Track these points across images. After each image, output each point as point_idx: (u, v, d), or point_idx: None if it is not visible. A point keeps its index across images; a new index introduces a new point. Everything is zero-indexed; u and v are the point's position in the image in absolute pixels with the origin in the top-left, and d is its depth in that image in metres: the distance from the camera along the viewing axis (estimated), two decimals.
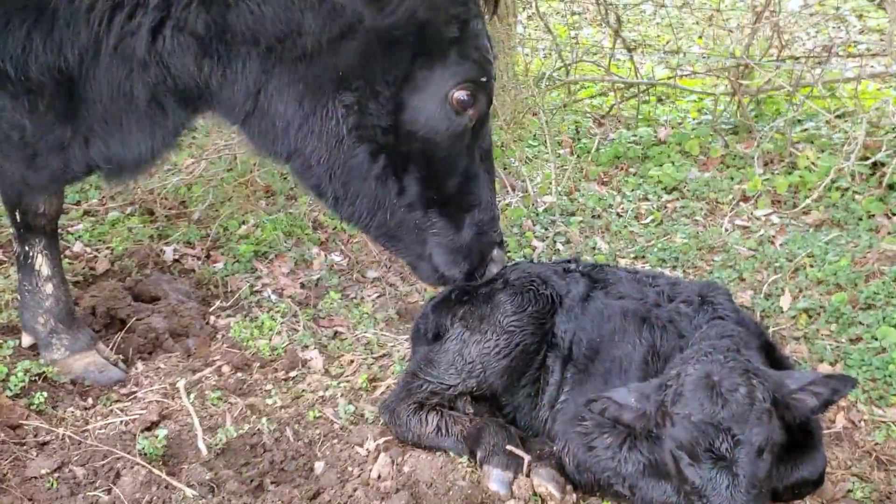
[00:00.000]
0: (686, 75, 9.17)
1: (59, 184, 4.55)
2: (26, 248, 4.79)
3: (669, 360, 4.03)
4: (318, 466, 4.33)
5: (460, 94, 3.79)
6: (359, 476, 4.26)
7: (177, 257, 6.26)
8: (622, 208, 7.20)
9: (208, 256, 6.32)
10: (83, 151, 3.95)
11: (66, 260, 5.85)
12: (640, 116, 8.70)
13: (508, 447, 4.24)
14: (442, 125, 3.83)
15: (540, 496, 4.14)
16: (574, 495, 4.17)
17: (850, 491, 4.22)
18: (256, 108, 3.81)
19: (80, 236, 6.35)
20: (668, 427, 3.65)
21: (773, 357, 4.20)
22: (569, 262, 4.87)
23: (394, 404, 4.55)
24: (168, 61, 3.63)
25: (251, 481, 4.16)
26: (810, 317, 5.58)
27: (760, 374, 3.65)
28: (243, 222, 6.60)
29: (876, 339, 5.21)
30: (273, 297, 5.88)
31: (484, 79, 3.87)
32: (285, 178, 7.02)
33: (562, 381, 4.43)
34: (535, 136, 8.06)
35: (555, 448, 4.27)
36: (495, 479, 4.17)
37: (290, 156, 3.97)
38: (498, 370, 4.46)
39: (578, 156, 7.98)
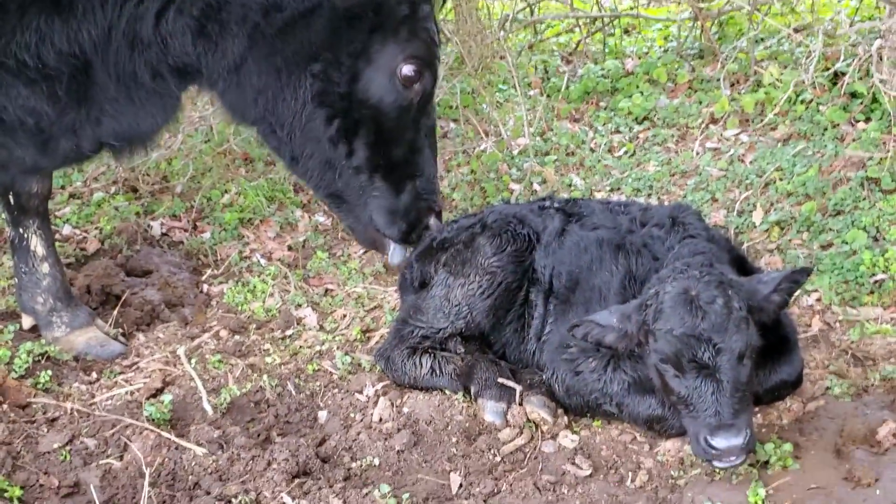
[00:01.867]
0: (650, 4, 9.23)
1: (69, 164, 4.78)
2: (20, 231, 4.92)
3: (646, 282, 4.20)
4: (322, 415, 4.53)
5: (407, 70, 4.13)
6: (361, 421, 4.46)
7: (164, 231, 6.38)
8: (595, 143, 7.34)
9: (195, 227, 6.45)
10: (94, 131, 4.24)
11: (57, 243, 5.90)
12: (606, 50, 8.79)
13: (500, 380, 4.44)
14: (390, 96, 4.18)
15: (533, 422, 4.35)
16: (565, 418, 4.39)
17: (828, 388, 4.41)
18: (237, 80, 4.14)
19: (68, 219, 6.44)
20: (651, 343, 3.86)
21: (745, 269, 4.41)
22: (544, 200, 5.04)
23: (388, 351, 4.74)
24: (168, 42, 3.97)
25: (258, 435, 4.32)
26: (782, 228, 5.76)
27: (735, 285, 3.87)
28: (225, 191, 6.71)
29: (846, 243, 5.39)
30: (262, 261, 6.02)
31: (430, 57, 4.20)
32: (262, 145, 7.12)
33: (545, 313, 4.61)
34: (504, 80, 8.16)
35: (544, 376, 4.47)
36: (490, 410, 4.38)
37: (258, 120, 4.35)
38: (483, 310, 4.64)
39: (549, 95, 8.08)
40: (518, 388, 4.43)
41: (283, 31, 4.00)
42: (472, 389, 4.49)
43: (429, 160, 4.48)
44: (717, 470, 3.89)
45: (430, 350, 4.69)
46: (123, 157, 4.63)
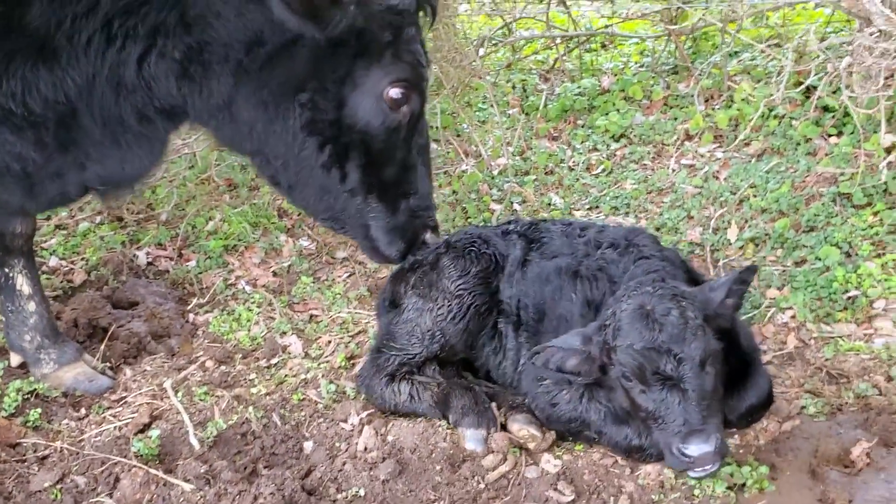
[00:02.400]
0: (624, 20, 9.33)
1: (56, 207, 4.84)
2: (5, 270, 4.98)
3: (602, 306, 4.32)
4: (308, 446, 4.58)
5: (394, 92, 4.17)
6: (346, 450, 4.51)
7: (150, 260, 6.44)
8: (573, 161, 7.43)
9: (180, 256, 6.50)
10: (80, 175, 4.31)
11: (44, 275, 6.03)
12: (583, 67, 8.89)
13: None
14: (378, 119, 4.22)
15: (520, 441, 4.44)
16: (553, 433, 4.48)
17: (804, 407, 4.50)
18: (228, 117, 4.21)
19: (54, 251, 6.49)
20: (614, 362, 3.95)
21: (698, 285, 4.47)
22: (508, 223, 5.15)
23: (367, 380, 4.83)
24: (152, 85, 4.03)
25: (245, 469, 4.37)
26: (756, 245, 5.85)
27: (688, 296, 3.98)
28: (210, 218, 6.77)
29: (819, 260, 5.49)
30: (247, 288, 6.08)
31: (416, 79, 4.24)
32: (245, 170, 7.19)
33: (518, 346, 4.70)
34: (484, 98, 8.25)
35: (526, 399, 4.56)
36: (470, 438, 4.46)
37: (254, 153, 4.42)
38: (456, 333, 4.74)
39: (528, 113, 8.18)
40: (496, 412, 4.53)
41: (268, 66, 4.05)
42: (451, 418, 4.57)
43: (423, 178, 4.53)
44: (695, 482, 4.00)
45: (407, 376, 4.77)
46: (110, 199, 4.71)
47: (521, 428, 4.46)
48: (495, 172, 7.22)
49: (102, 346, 5.36)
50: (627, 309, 3.94)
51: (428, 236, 4.67)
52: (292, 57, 4.03)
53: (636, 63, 8.94)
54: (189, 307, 5.92)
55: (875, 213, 5.72)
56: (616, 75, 8.57)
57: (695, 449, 3.67)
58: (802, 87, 6.42)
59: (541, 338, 4.54)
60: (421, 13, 4.35)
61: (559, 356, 4.13)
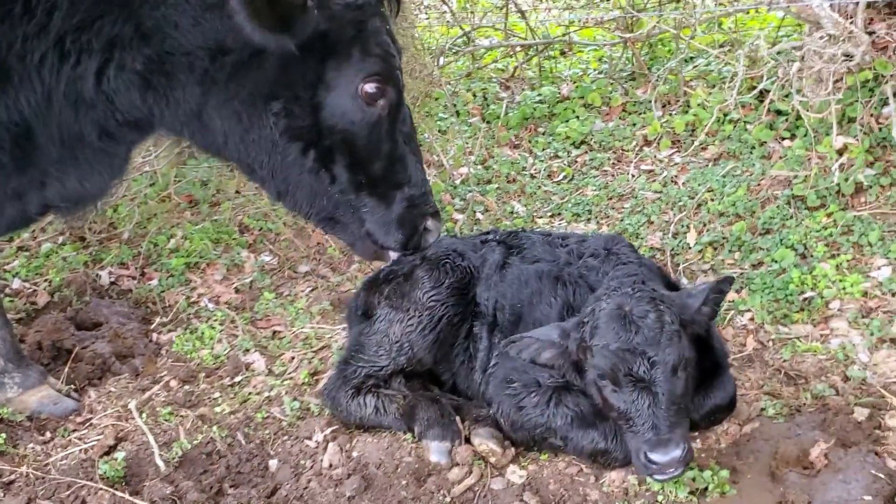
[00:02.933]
0: (581, 28, 9.40)
1: (16, 230, 4.79)
2: None
3: (582, 308, 4.35)
4: (273, 464, 4.58)
5: (369, 87, 4.10)
6: (311, 468, 4.52)
7: (113, 280, 6.42)
8: (535, 169, 7.48)
9: (143, 274, 6.49)
10: (40, 195, 4.25)
11: (7, 298, 6.01)
12: (543, 75, 8.95)
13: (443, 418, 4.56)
14: (357, 117, 4.15)
15: (482, 455, 4.46)
16: (513, 450, 4.49)
17: (763, 409, 4.55)
18: (200, 127, 4.16)
19: (17, 273, 6.47)
20: (588, 360, 4.02)
21: (675, 290, 4.54)
22: (487, 233, 5.20)
23: (332, 392, 4.84)
24: (114, 98, 3.97)
25: (210, 488, 4.37)
26: (715, 249, 5.93)
27: (666, 300, 4.04)
28: (171, 236, 6.76)
29: (775, 262, 5.57)
30: (210, 305, 6.08)
31: (388, 71, 4.18)
32: (206, 187, 7.19)
33: (490, 346, 4.72)
34: (444, 108, 8.28)
35: (490, 411, 4.58)
36: (434, 450, 4.48)
37: (238, 161, 4.37)
38: (425, 346, 4.76)
39: (489, 122, 8.22)
40: (461, 425, 4.55)
41: (236, 75, 4.00)
42: (416, 430, 4.59)
43: (414, 166, 4.44)
44: (659, 487, 4.05)
45: (373, 389, 4.78)
46: (73, 217, 4.68)
47: (481, 442, 4.49)
48: (457, 182, 7.26)
49: (66, 369, 5.34)
50: (606, 308, 4.01)
51: (429, 223, 4.53)
52: (260, 66, 3.99)
53: (595, 70, 9.02)
54: (152, 326, 5.91)
55: (828, 215, 5.81)
56: (575, 82, 8.64)
57: (661, 457, 3.75)
58: (755, 91, 6.50)
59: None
60: (385, 3, 4.31)
61: (534, 347, 4.19)
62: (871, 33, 5.88)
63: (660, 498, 4.05)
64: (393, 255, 4.69)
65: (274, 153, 4.19)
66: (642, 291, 4.06)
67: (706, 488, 4.05)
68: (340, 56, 4.07)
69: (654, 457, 3.76)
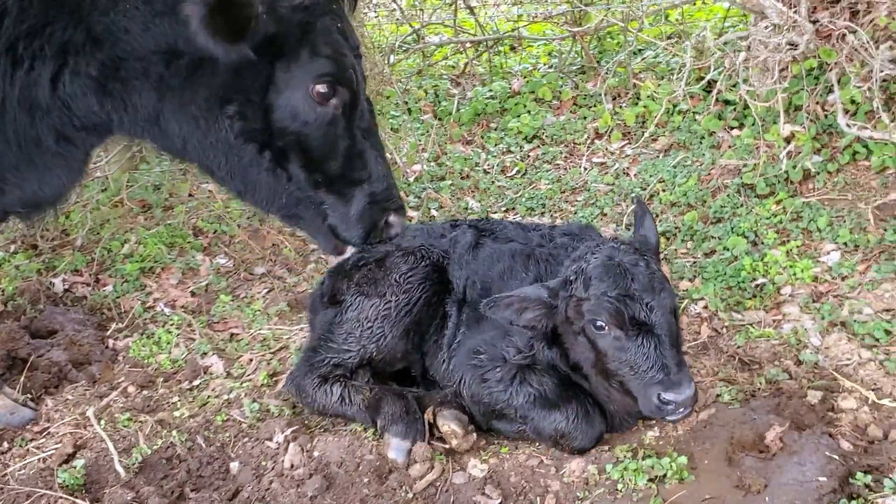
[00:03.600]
0: (531, 23, 9.45)
1: None
2: None
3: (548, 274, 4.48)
4: (234, 466, 4.58)
5: (320, 88, 4.12)
6: (273, 469, 4.52)
7: (67, 287, 6.36)
8: (488, 165, 7.52)
9: (97, 281, 6.43)
10: None
11: None
12: (493, 71, 8.98)
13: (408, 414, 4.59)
14: (309, 117, 4.17)
15: (445, 436, 4.52)
16: (474, 435, 4.55)
17: (718, 395, 4.61)
18: (159, 131, 4.21)
19: None
20: (585, 313, 4.06)
21: None
22: (456, 221, 5.27)
23: (298, 379, 4.86)
24: (70, 104, 4.02)
25: (172, 493, 4.37)
26: (668, 238, 6.00)
27: (643, 247, 4.20)
28: (125, 241, 6.70)
29: (727, 250, 5.65)
30: (166, 310, 6.04)
31: (338, 70, 4.17)
32: (159, 191, 7.14)
33: (458, 322, 4.77)
34: (396, 105, 8.29)
35: (454, 386, 4.63)
36: (394, 447, 4.51)
37: (198, 163, 4.40)
38: (399, 332, 4.80)
39: (441, 119, 8.24)
40: (426, 425, 4.58)
41: (190, 80, 4.03)
42: (379, 423, 4.61)
43: (374, 161, 4.41)
44: (618, 475, 4.11)
45: (341, 379, 4.80)
46: (32, 221, 4.67)
47: (444, 423, 4.53)
48: (411, 179, 7.27)
49: (22, 378, 5.28)
50: (596, 262, 4.07)
51: (391, 218, 4.54)
52: (214, 70, 4.01)
53: (544, 65, 9.07)
54: (108, 333, 5.86)
55: (778, 202, 5.90)
56: (525, 77, 8.68)
57: (675, 396, 3.86)
58: (703, 82, 6.58)
59: (483, 316, 4.54)
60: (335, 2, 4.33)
61: (517, 306, 4.22)
62: (814, 22, 5.97)
63: (619, 486, 4.10)
64: (350, 250, 4.73)
65: (231, 155, 4.22)
66: (625, 245, 4.18)
67: (665, 475, 4.10)
68: (289, 58, 4.10)
69: (668, 396, 3.86)
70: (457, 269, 4.87)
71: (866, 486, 3.85)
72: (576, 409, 4.32)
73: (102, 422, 4.90)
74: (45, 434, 4.91)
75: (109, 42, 3.90)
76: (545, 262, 4.68)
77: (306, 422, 4.81)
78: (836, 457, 3.96)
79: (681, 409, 3.89)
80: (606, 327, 4.00)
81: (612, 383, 4.15)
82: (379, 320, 4.79)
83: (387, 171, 4.52)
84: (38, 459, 4.67)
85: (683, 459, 4.13)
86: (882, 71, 5.40)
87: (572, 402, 4.34)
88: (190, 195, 7.09)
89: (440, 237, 5.04)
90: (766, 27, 5.95)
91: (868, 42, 5.52)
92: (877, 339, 4.82)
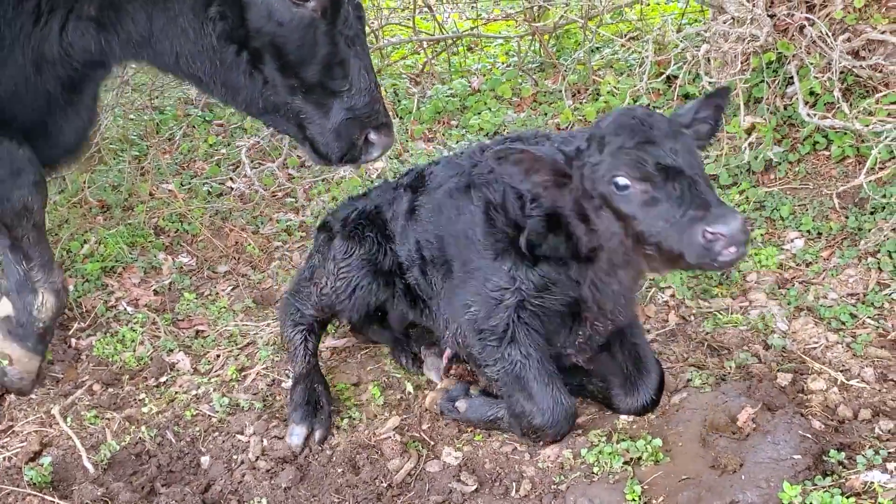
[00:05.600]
0: (488, 22, 9.50)
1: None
2: None
3: (509, 204, 4.18)
4: (205, 461, 4.54)
5: None
6: (244, 462, 4.49)
7: None
8: None
9: None
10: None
11: None
12: (452, 70, 9.01)
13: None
14: (285, 17, 4.09)
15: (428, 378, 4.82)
16: (448, 381, 4.72)
17: (689, 380, 4.66)
18: (151, 51, 4.26)
19: None
20: (602, 181, 3.65)
21: None
22: (405, 174, 5.01)
23: (282, 315, 5.10)
24: (71, 50, 4.10)
25: (142, 488, 4.32)
26: None
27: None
28: (85, 241, 6.60)
29: None
30: (129, 309, 5.95)
31: None
32: (117, 191, 7.06)
33: (430, 283, 4.60)
34: None
35: (447, 334, 4.55)
36: (291, 433, 4.59)
37: (187, 76, 4.44)
38: (350, 306, 4.83)
39: (401, 117, 8.24)
40: (329, 418, 4.67)
41: None
42: (287, 409, 4.74)
43: (358, 72, 4.24)
44: (593, 459, 4.12)
45: (309, 329, 4.97)
46: (57, 172, 4.73)
47: (426, 370, 4.86)
48: (373, 176, 7.25)
49: None
50: (609, 121, 3.73)
51: (372, 135, 4.37)
52: None
53: (503, 63, 9.11)
54: (70, 332, 5.75)
55: (741, 192, 5.98)
56: (485, 75, 8.71)
57: (724, 227, 3.34)
58: (664, 76, 6.66)
59: (450, 264, 4.43)
60: None
61: (528, 165, 3.80)
62: (772, 16, 6.08)
63: (595, 469, 4.12)
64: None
65: (214, 59, 4.21)
66: (634, 109, 3.91)
67: (640, 458, 4.13)
68: None
69: (717, 228, 3.34)
70: (403, 243, 4.67)
71: (840, 463, 3.93)
72: (553, 403, 4.18)
73: (69, 419, 4.82)
74: (9, 433, 4.82)
75: None
76: (486, 184, 4.31)
77: (277, 415, 4.77)
78: (809, 436, 4.05)
79: (732, 247, 3.35)
80: (630, 183, 3.55)
81: (646, 249, 3.64)
82: (330, 292, 4.83)
83: (371, 83, 4.33)
84: (4, 458, 4.59)
85: (658, 442, 4.16)
86: (841, 62, 5.51)
87: (550, 390, 4.19)
88: (150, 195, 7.01)
89: (387, 204, 4.85)
90: (726, 21, 6.04)
91: (826, 33, 5.63)
92: (843, 323, 4.91)
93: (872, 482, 3.73)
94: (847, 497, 3.62)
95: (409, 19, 9.05)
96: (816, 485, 3.76)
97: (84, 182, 6.86)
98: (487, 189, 4.29)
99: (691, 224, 3.39)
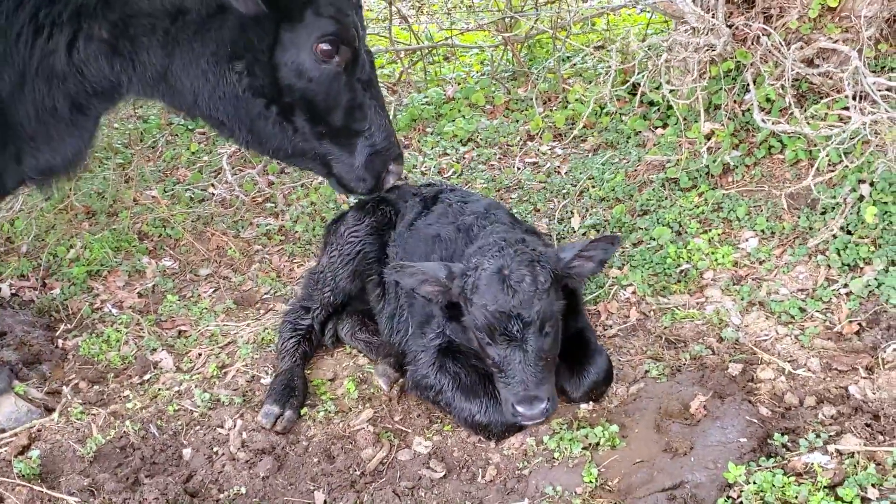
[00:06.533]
0: (463, 32, 9.74)
1: None
2: None
3: (452, 262, 4.74)
4: (186, 453, 4.75)
5: (323, 46, 4.41)
6: (225, 453, 4.70)
7: (14, 292, 6.42)
8: (425, 166, 7.75)
9: (44, 285, 6.50)
10: (16, 169, 4.46)
11: None
12: (428, 78, 9.25)
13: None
14: (314, 73, 4.46)
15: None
16: (396, 390, 5.02)
17: (647, 371, 4.90)
18: (167, 88, 4.46)
19: None
20: (468, 311, 4.41)
21: None
22: (429, 185, 5.73)
23: (282, 324, 5.55)
24: (83, 69, 4.24)
25: (127, 479, 4.51)
26: (598, 231, 6.29)
27: (542, 259, 4.39)
28: (71, 246, 6.79)
29: (653, 239, 5.96)
30: (114, 311, 6.15)
31: (341, 30, 4.45)
32: (102, 198, 7.25)
33: (397, 295, 5.15)
34: None
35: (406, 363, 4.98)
36: (262, 413, 4.89)
37: (205, 117, 4.68)
38: (346, 275, 5.38)
39: None
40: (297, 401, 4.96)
41: (197, 35, 4.26)
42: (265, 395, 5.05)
43: (374, 112, 4.70)
44: (554, 445, 4.39)
45: (304, 334, 5.42)
46: (46, 188, 4.84)
47: (375, 377, 5.10)
48: None
49: None
50: (488, 269, 4.34)
51: (391, 166, 4.89)
52: (221, 27, 4.26)
53: (477, 72, 9.36)
54: (57, 333, 5.95)
55: (700, 194, 6.22)
56: (460, 84, 8.95)
57: (526, 410, 4.20)
58: (628, 84, 6.90)
59: (416, 300, 4.94)
60: None
61: (417, 278, 4.54)
62: (730, 26, 6.32)
63: (556, 455, 4.35)
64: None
65: (239, 107, 4.49)
66: (523, 253, 4.40)
67: (598, 443, 4.37)
68: (294, 19, 4.36)
69: (521, 409, 4.20)
70: (394, 245, 5.27)
71: (783, 445, 4.14)
72: (488, 401, 4.56)
73: (56, 414, 5.02)
74: None
75: (119, 2, 4.11)
76: (450, 240, 5.00)
77: (256, 409, 4.98)
78: (756, 421, 4.28)
79: (535, 420, 4.27)
80: (483, 335, 4.34)
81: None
82: (330, 269, 5.44)
83: (387, 120, 4.81)
84: None
85: (615, 428, 4.40)
86: (793, 70, 5.76)
87: (486, 392, 4.59)
88: (134, 201, 7.21)
89: (403, 200, 5.47)
90: (686, 30, 6.30)
91: (781, 43, 5.87)
92: (792, 317, 5.16)
93: (813, 463, 3.95)
94: (788, 477, 3.84)
95: (386, 30, 9.27)
96: (760, 465, 3.98)
97: (70, 189, 7.05)
98: (444, 245, 5.02)
99: (507, 394, 4.28)
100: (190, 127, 8.58)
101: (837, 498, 3.70)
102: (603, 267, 4.62)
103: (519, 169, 7.39)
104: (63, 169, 4.67)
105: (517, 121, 8.03)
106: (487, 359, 4.39)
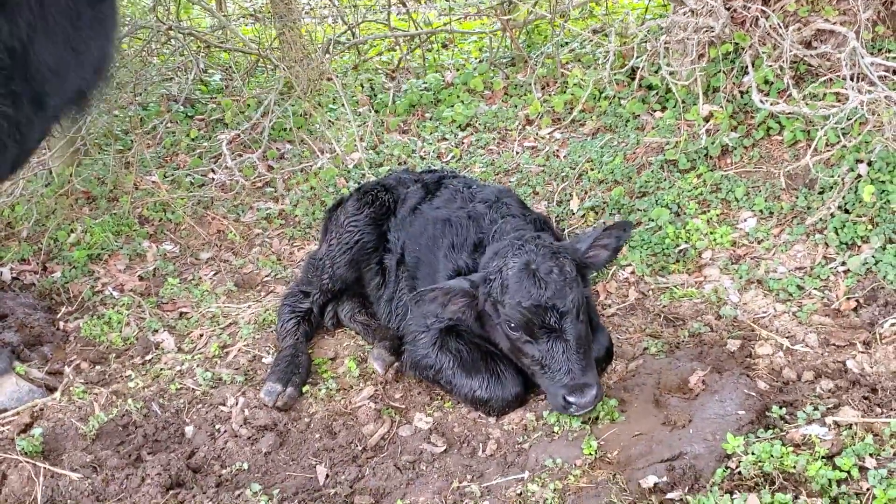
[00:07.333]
0: (462, 18, 9.76)
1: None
2: None
3: (463, 249, 4.86)
4: (189, 430, 4.78)
5: None
6: (227, 430, 4.73)
7: (14, 275, 6.45)
8: (424, 151, 7.78)
9: (45, 269, 6.53)
10: (42, 118, 4.13)
11: None
12: (427, 64, 9.27)
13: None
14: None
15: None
16: (391, 373, 5.07)
17: (646, 348, 4.95)
18: None
19: None
20: (501, 313, 4.38)
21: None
22: (430, 171, 5.83)
23: (281, 306, 5.59)
24: None
25: (129, 455, 4.55)
26: (596, 213, 6.32)
27: (562, 251, 4.42)
28: (71, 231, 6.81)
29: (652, 220, 5.98)
30: (115, 293, 6.18)
31: None
32: (103, 183, 7.27)
33: (397, 280, 5.21)
34: (334, 99, 8.52)
35: (404, 343, 5.04)
36: (264, 391, 4.94)
37: None
38: (344, 263, 5.43)
39: (377, 111, 8.49)
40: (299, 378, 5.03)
41: None
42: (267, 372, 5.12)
43: None
44: (553, 420, 4.43)
45: (304, 315, 5.49)
46: (84, 111, 4.65)
47: (370, 360, 5.13)
48: (350, 166, 7.50)
49: None
50: (514, 268, 4.34)
51: None
52: None
53: (476, 58, 9.38)
54: (59, 315, 5.99)
55: (698, 176, 6.25)
56: (458, 70, 8.97)
57: (579, 399, 4.17)
58: (627, 68, 6.93)
59: (417, 283, 5.00)
60: None
61: (441, 299, 4.48)
62: (729, 8, 6.35)
63: (556, 429, 4.38)
64: None
65: None
66: (544, 247, 4.41)
67: (597, 417, 4.40)
68: None
69: (573, 399, 4.17)
70: (396, 229, 5.31)
71: (781, 418, 4.16)
72: (489, 377, 4.63)
73: (58, 394, 5.05)
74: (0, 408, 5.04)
75: None
76: (461, 226, 5.00)
77: (258, 387, 5.01)
78: (754, 394, 4.30)
79: (586, 409, 4.21)
80: (520, 334, 4.32)
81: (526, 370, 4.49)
82: (329, 256, 5.48)
83: None
84: None
85: (614, 402, 4.43)
86: (791, 51, 5.78)
87: (487, 368, 4.66)
88: (135, 186, 7.23)
89: (402, 185, 5.55)
90: (685, 13, 6.32)
91: (779, 25, 5.90)
92: (790, 294, 5.19)
93: (811, 435, 3.97)
94: (787, 447, 3.87)
95: (385, 19, 9.30)
96: (759, 437, 4.00)
97: (70, 174, 7.08)
98: (454, 231, 5.01)
99: (556, 388, 4.23)
100: (189, 114, 8.61)
101: (835, 467, 3.72)
102: (616, 255, 4.66)
103: (517, 153, 7.42)
104: (94, 81, 4.33)
105: (516, 106, 8.06)
106: (525, 358, 4.38)
